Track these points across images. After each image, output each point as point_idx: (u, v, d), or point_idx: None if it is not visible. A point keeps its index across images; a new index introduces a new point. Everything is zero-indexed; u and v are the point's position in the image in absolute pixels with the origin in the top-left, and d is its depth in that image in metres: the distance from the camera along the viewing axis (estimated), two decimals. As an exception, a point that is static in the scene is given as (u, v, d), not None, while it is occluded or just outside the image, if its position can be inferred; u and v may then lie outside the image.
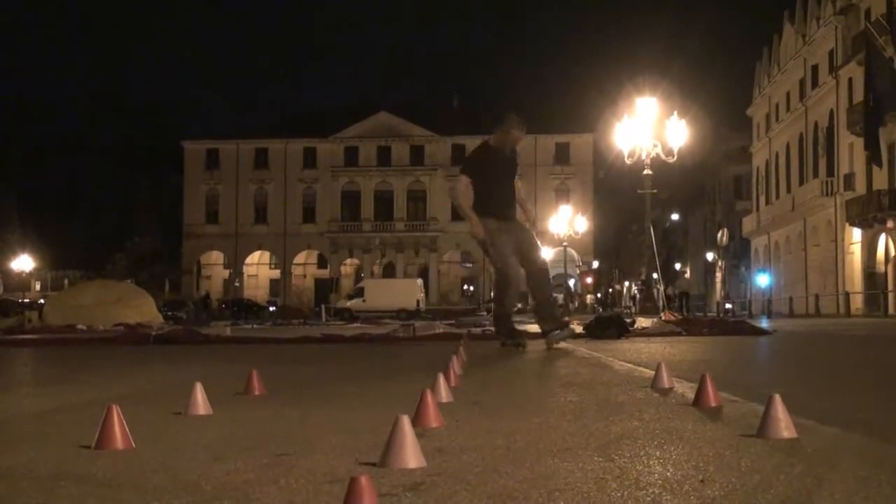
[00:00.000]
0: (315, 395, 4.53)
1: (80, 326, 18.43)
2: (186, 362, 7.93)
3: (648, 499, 1.88)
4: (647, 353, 8.15)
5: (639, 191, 24.69)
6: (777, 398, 2.64)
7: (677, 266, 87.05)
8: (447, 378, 4.17)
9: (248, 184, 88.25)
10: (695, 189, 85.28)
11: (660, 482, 2.05)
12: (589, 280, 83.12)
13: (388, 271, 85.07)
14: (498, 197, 8.90)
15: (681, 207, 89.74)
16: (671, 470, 2.20)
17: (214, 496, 2.00)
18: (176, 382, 5.35)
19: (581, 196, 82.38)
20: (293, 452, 2.55)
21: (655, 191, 25.65)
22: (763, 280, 65.22)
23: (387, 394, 4.54)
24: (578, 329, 11.95)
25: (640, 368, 5.88)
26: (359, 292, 63.20)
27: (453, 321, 21.92)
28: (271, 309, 64.83)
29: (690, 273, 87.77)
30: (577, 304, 72.22)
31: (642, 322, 14.99)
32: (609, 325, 11.86)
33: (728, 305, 57.74)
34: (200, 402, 3.51)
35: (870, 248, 49.49)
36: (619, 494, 1.93)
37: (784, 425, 2.61)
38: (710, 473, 2.14)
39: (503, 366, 6.96)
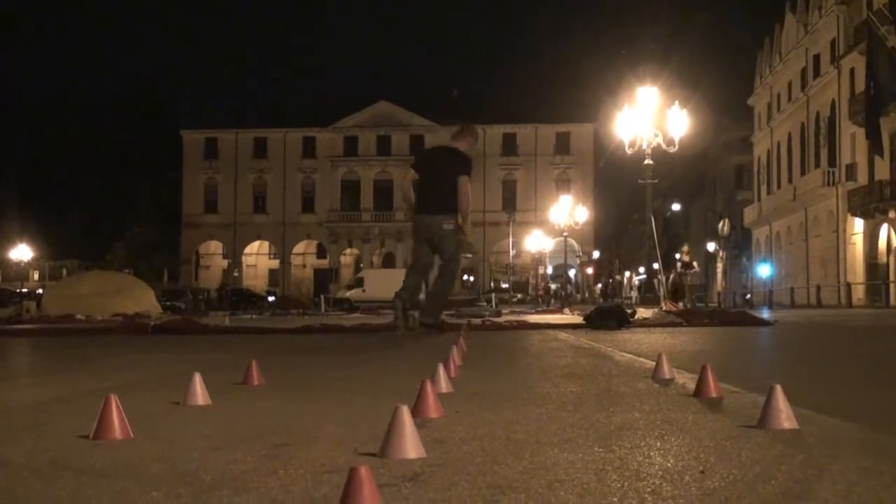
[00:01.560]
0: (314, 386, 4.53)
1: (78, 316, 18.45)
2: (185, 352, 7.93)
3: (649, 490, 1.88)
4: (647, 343, 8.15)
5: (639, 180, 24.65)
6: (778, 389, 2.64)
7: (677, 256, 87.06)
8: (447, 368, 4.18)
9: (247, 173, 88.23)
10: (696, 179, 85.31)
11: (660, 473, 2.05)
12: (590, 271, 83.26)
13: (388, 261, 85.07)
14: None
15: (682, 197, 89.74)
16: (672, 461, 2.20)
17: (213, 486, 2.00)
18: (174, 372, 5.35)
19: (582, 186, 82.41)
20: (292, 443, 2.55)
21: (656, 181, 25.61)
22: (764, 270, 65.24)
23: (386, 384, 4.54)
24: (578, 319, 11.95)
25: (641, 359, 5.89)
26: (358, 282, 63.24)
27: (453, 311, 21.91)
28: (270, 299, 64.95)
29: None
30: (582, 294, 72.24)
31: (643, 312, 15.00)
32: (609, 316, 11.87)
33: (748, 296, 57.46)
34: (199, 392, 3.51)
35: (871, 238, 49.51)
36: (619, 485, 1.93)
37: (785, 416, 2.61)
38: (710, 464, 2.14)
39: (503, 356, 6.97)
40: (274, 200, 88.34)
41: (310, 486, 1.99)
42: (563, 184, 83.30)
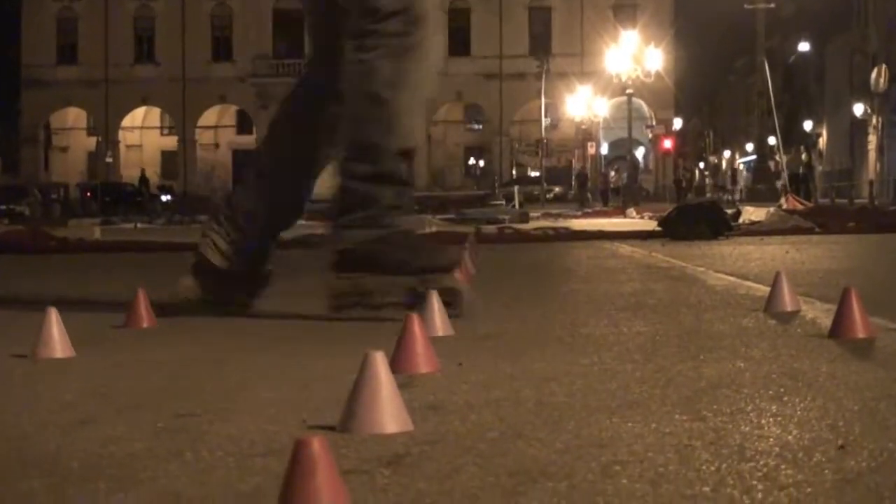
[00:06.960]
0: (236, 328, 4.56)
1: None
2: (33, 280, 7.96)
3: (759, 474, 1.90)
4: (758, 259, 8.21)
5: (746, 5, 24.49)
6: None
7: (808, 126, 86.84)
8: (444, 299, 4.19)
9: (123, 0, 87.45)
10: (834, 4, 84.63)
11: (776, 450, 2.07)
12: (668, 144, 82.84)
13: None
14: None
15: (812, 32, 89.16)
16: (794, 432, 2.23)
17: (84, 477, 2.01)
18: (17, 311, 5.37)
19: (654, 16, 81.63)
20: (204, 412, 2.58)
21: (772, 5, 25.45)
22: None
23: (350, 326, 4.55)
24: (650, 224, 11.93)
25: (748, 283, 5.94)
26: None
27: (453, 215, 21.96)
28: (165, 198, 64.98)
29: (828, 136, 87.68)
30: (656, 186, 72.06)
31: (751, 213, 15.05)
32: (699, 219, 11.91)
33: None
34: (57, 338, 3.52)
35: None
36: (712, 468, 1.95)
37: (971, 364, 2.63)
38: (854, 437, 2.17)
39: (531, 281, 7.00)
40: (167, 43, 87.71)
41: (232, 473, 2.00)
42: (625, 12, 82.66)
